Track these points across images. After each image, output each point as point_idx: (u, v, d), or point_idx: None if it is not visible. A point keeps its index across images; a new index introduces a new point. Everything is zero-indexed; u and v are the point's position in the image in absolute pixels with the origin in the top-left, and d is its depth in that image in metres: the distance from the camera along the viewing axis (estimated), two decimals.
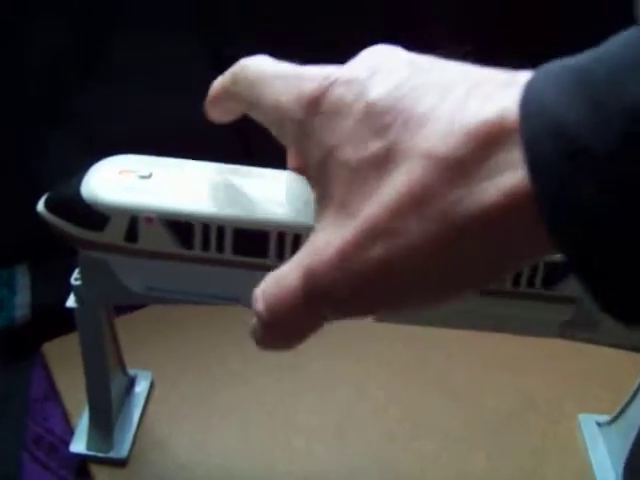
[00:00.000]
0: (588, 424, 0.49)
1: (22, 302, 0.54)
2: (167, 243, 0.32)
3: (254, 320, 0.24)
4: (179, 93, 0.52)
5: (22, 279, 0.56)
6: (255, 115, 0.27)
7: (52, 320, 0.52)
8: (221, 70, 0.29)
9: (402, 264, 0.20)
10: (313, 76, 0.24)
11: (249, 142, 0.54)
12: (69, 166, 0.35)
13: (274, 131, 0.26)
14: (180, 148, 0.36)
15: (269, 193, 0.33)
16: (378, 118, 0.21)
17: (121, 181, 0.33)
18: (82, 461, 0.46)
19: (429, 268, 0.20)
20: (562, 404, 0.51)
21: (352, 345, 0.54)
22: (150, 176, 0.33)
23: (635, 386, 0.45)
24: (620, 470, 0.45)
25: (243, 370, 0.52)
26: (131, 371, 0.50)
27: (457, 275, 0.20)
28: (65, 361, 0.52)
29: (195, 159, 0.35)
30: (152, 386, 0.51)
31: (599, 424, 0.49)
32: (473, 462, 0.47)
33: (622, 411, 0.46)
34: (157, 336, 0.54)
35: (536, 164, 0.18)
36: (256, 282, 0.26)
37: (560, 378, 0.53)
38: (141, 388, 0.50)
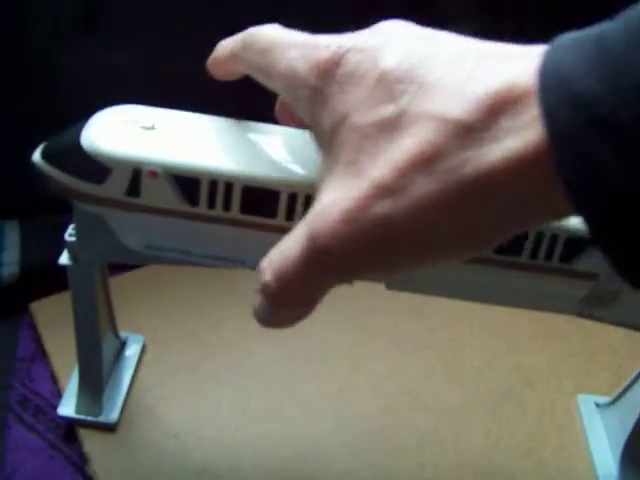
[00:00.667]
0: (587, 404, 0.48)
1: (10, 259, 0.52)
2: (171, 199, 0.31)
3: (257, 298, 0.24)
4: (181, 44, 0.50)
5: (11, 235, 0.53)
6: (263, 81, 0.27)
7: (42, 279, 0.50)
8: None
9: (407, 222, 0.20)
10: (327, 44, 0.24)
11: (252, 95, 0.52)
12: (65, 119, 0.34)
13: (287, 98, 0.26)
14: (183, 100, 0.34)
15: (279, 151, 0.31)
16: (391, 85, 0.22)
17: (124, 132, 0.31)
18: (70, 425, 0.45)
19: (433, 227, 0.20)
20: (561, 383, 0.50)
21: (352, 316, 0.53)
22: (153, 128, 0.31)
23: (638, 370, 0.44)
24: (618, 453, 0.44)
25: (238, 337, 0.51)
26: (122, 334, 0.48)
27: (460, 234, 0.21)
28: (54, 321, 0.50)
29: (198, 111, 0.33)
30: (144, 350, 0.49)
31: (598, 405, 0.48)
32: (470, 439, 0.46)
33: (622, 394, 0.46)
34: (150, 298, 0.53)
35: (556, 131, 0.18)
36: (263, 244, 0.25)
37: (560, 357, 0.52)
38: (132, 352, 0.49)
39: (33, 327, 0.51)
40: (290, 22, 0.27)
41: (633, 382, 0.45)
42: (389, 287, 0.33)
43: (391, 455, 0.45)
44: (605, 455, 0.45)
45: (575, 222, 0.30)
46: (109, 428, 0.44)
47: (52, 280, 0.44)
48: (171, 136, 0.31)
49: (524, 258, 0.31)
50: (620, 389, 0.46)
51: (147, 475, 0.42)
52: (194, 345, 0.50)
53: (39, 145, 0.34)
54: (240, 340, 0.51)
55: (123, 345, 0.49)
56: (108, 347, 0.45)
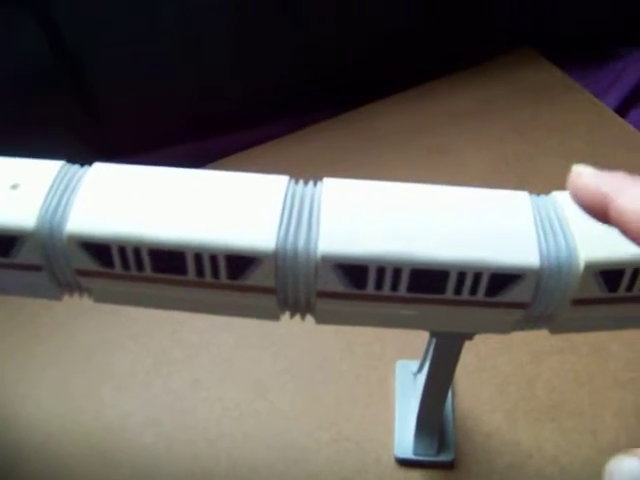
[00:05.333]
0: (403, 371, 0.48)
1: None
2: None
3: None
4: None
5: None
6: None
7: None
8: None
9: None
10: None
11: None
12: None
13: None
14: None
15: None
16: None
17: None
18: None
19: None
20: (384, 350, 0.49)
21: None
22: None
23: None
24: None
25: (66, 319, 0.52)
26: None
27: None
28: None
29: None
30: None
31: (413, 371, 0.47)
32: (277, 408, 0.46)
33: (425, 358, 0.45)
34: None
35: None
36: None
37: None
38: None
39: None
40: None
41: (429, 345, 0.44)
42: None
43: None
44: (408, 423, 0.45)
45: (500, 258, 0.29)
46: None
47: None
48: None
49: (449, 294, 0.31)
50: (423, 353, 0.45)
51: None
52: (24, 329, 0.52)
53: None
54: (67, 322, 0.52)
55: None
56: None
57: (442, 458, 0.44)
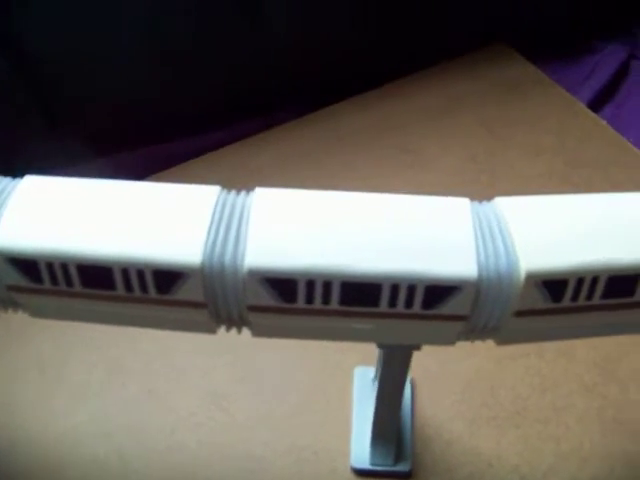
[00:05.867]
0: (362, 378, 0.46)
1: None
2: None
3: None
4: None
5: None
6: None
7: None
8: None
9: None
10: None
11: None
12: None
13: None
14: None
15: None
16: None
17: None
18: None
19: None
20: (344, 356, 0.48)
21: None
22: None
23: None
24: None
25: (20, 330, 0.50)
26: None
27: None
28: None
29: None
30: None
31: (372, 379, 0.46)
32: (233, 418, 0.45)
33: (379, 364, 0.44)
34: None
35: None
36: None
37: None
38: None
39: None
40: None
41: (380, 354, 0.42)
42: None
43: None
44: (366, 432, 0.43)
45: (436, 269, 0.28)
46: None
47: None
48: None
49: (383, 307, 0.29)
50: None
51: None
52: None
53: None
54: (25, 331, 0.50)
55: None
56: None
57: (399, 468, 0.43)
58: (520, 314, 0.30)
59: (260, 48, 0.59)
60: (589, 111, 0.63)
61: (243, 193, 0.31)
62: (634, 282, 0.30)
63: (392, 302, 0.29)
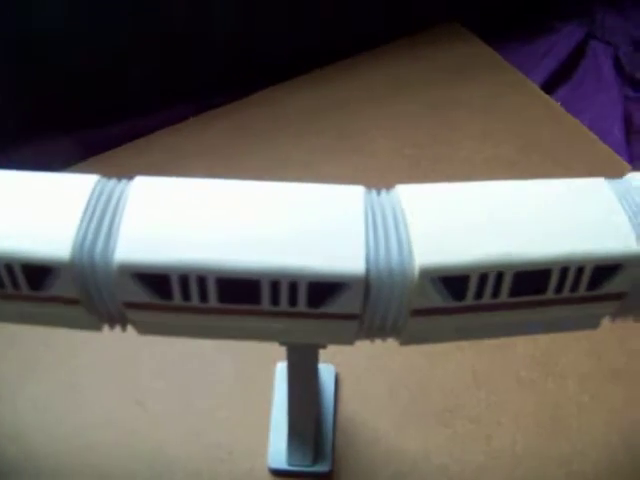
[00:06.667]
0: (284, 375, 0.44)
1: None
2: None
3: None
4: None
5: None
6: None
7: None
8: None
9: None
10: None
11: None
12: None
13: None
14: None
15: None
16: None
17: None
18: None
19: None
20: (267, 351, 0.46)
21: None
22: None
23: None
24: None
25: None
26: None
27: None
28: None
29: None
30: None
31: None
32: (148, 413, 0.43)
33: None
34: None
35: None
36: None
37: None
38: None
39: None
40: None
41: None
42: None
43: None
44: (284, 431, 0.41)
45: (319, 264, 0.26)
46: None
47: None
48: None
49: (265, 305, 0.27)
50: None
51: None
52: None
53: None
54: None
55: None
56: None
57: (318, 468, 0.41)
58: (419, 313, 0.28)
59: (195, 32, 0.56)
60: (542, 93, 0.61)
61: (124, 180, 0.29)
62: (545, 278, 0.28)
63: (274, 300, 0.27)
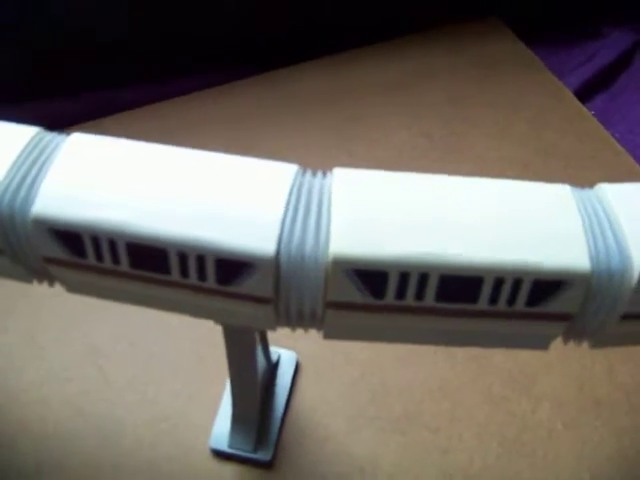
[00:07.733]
0: None
1: None
2: None
3: None
4: None
5: None
6: None
7: None
8: None
9: None
10: None
11: None
12: None
13: None
14: None
15: None
16: None
17: None
18: None
19: None
20: None
21: None
22: None
23: None
24: None
25: None
26: None
27: None
28: None
29: None
30: None
31: None
32: (104, 376, 0.43)
33: None
34: None
35: None
36: None
37: None
38: None
39: None
40: None
41: None
42: None
43: None
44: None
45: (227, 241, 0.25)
46: None
47: None
48: None
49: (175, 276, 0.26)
50: None
51: None
52: None
53: None
54: None
55: None
56: None
57: (259, 456, 0.39)
58: (337, 306, 0.26)
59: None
60: (574, 98, 0.57)
61: (61, 137, 0.28)
62: (476, 286, 0.25)
63: (183, 272, 0.26)
